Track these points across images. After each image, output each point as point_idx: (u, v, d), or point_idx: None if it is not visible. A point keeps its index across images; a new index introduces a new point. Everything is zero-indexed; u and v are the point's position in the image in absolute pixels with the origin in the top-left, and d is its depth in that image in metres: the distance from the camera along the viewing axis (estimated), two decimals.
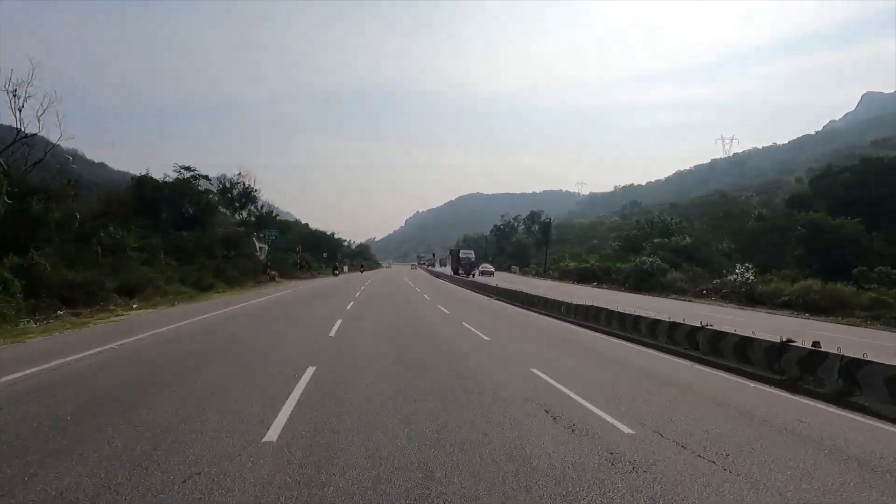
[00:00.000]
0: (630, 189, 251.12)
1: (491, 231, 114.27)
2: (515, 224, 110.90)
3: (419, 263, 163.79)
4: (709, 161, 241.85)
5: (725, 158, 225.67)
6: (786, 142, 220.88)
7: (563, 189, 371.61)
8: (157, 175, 36.73)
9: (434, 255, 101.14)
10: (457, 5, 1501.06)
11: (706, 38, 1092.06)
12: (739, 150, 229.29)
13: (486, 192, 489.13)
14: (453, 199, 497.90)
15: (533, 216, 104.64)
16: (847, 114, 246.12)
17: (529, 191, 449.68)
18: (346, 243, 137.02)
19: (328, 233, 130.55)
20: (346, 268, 73.39)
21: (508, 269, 79.54)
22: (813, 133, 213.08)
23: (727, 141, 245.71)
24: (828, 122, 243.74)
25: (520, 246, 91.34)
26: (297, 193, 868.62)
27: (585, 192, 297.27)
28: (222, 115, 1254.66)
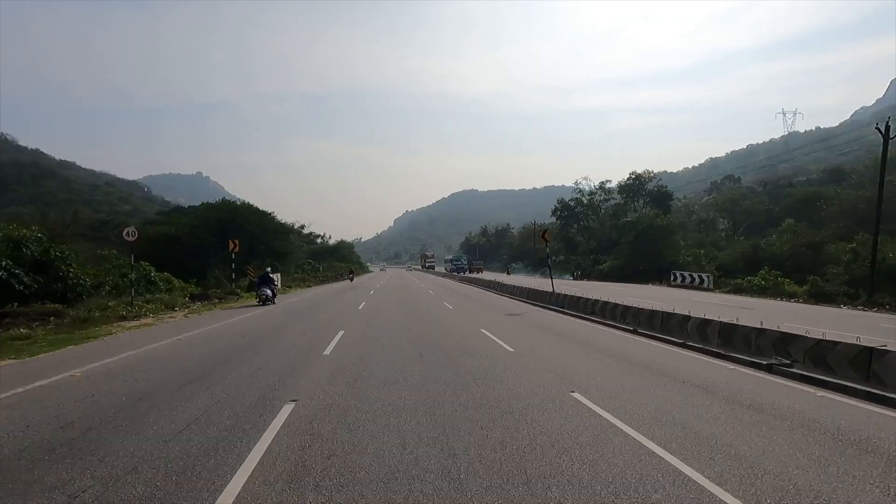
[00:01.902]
0: (665, 177, 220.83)
1: (555, 211, 68.85)
2: (601, 198, 65.21)
3: (424, 266, 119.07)
4: (745, 146, 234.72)
5: (764, 143, 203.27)
6: (832, 125, 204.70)
7: (566, 184, 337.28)
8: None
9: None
10: (451, 7, 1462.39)
11: (708, 38, 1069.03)
12: (774, 138, 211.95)
13: (481, 189, 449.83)
14: (446, 196, 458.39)
15: (639, 182, 59.68)
16: (877, 100, 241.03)
17: (529, 187, 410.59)
18: (320, 239, 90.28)
19: (295, 225, 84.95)
20: (277, 278, 26.67)
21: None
22: (841, 120, 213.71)
23: (789, 115, 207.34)
24: (859, 107, 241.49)
25: (643, 234, 45.99)
26: (284, 195, 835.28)
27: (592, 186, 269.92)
28: (212, 116, 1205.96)
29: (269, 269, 24.75)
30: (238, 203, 48.90)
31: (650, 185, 61.06)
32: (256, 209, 47.59)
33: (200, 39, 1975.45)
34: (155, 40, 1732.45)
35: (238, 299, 23.29)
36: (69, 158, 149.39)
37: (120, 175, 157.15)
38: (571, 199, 67.72)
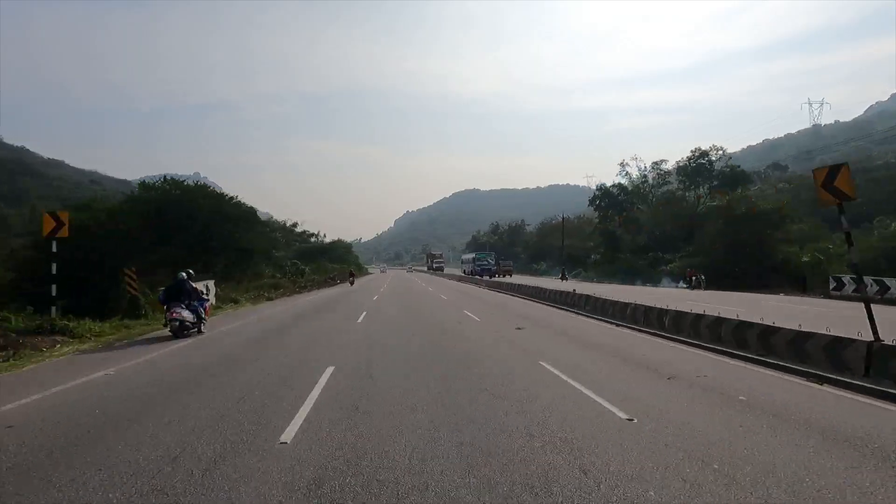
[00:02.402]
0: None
1: (593, 200, 55.82)
2: (656, 182, 51.69)
3: (431, 267, 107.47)
4: (762, 141, 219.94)
5: (781, 137, 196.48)
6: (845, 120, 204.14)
7: (570, 183, 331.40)
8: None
9: None
10: (450, 7, 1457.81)
11: (708, 38, 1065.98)
12: (791, 132, 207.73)
13: (483, 189, 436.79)
14: (447, 195, 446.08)
15: (705, 160, 45.67)
16: (892, 95, 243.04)
17: (533, 185, 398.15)
18: (314, 238, 77.26)
19: (287, 222, 73.04)
20: (207, 288, 13.69)
21: None
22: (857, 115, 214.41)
23: (815, 106, 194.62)
24: (874, 102, 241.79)
25: (731, 224, 33.08)
26: (283, 196, 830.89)
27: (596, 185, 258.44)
28: (212, 116, 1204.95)
29: (184, 273, 12.36)
30: (187, 183, 36.11)
31: (720, 165, 48.05)
32: (213, 192, 34.98)
33: (200, 39, 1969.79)
34: (154, 40, 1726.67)
35: (59, 345, 10.56)
36: (63, 158, 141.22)
37: (118, 175, 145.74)
38: (613, 186, 54.88)
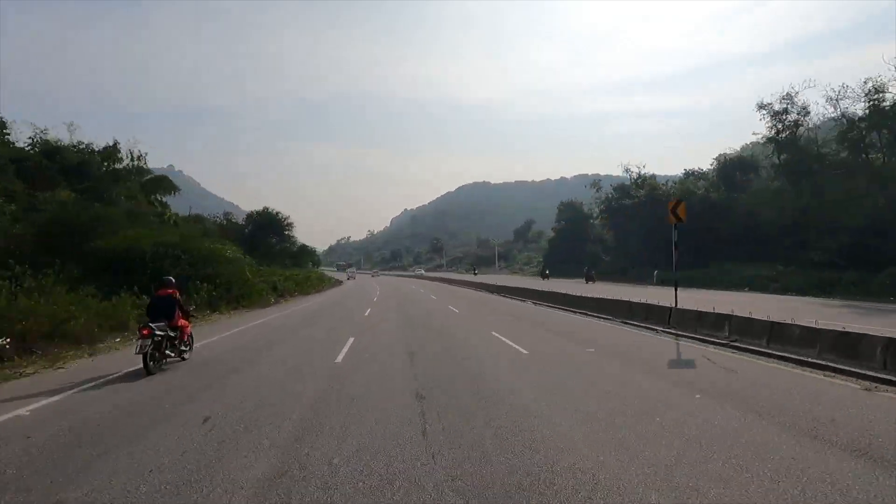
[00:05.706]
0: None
1: None
2: None
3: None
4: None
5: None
6: None
7: (601, 173, 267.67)
8: None
9: None
10: (451, 8, 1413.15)
11: (708, 38, 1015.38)
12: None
13: (493, 182, 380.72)
14: (452, 189, 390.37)
15: None
16: None
17: (556, 176, 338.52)
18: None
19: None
20: None
21: None
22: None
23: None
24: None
25: None
26: (278, 196, 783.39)
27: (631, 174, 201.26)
28: (207, 121, 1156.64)
29: None
30: None
31: None
32: None
33: (194, 40, 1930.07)
34: (145, 40, 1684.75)
35: None
36: None
37: None
38: None
